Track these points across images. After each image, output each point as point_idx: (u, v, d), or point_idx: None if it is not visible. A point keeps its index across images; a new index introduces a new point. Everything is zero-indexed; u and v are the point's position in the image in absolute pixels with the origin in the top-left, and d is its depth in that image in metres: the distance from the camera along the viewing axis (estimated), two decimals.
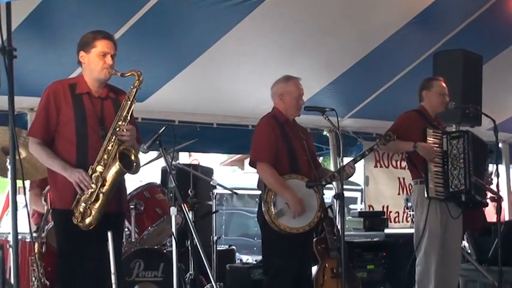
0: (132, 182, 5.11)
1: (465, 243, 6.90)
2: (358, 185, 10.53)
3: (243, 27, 5.88)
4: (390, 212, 8.48)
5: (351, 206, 10.72)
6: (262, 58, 6.39)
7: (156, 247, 5.38)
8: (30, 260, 4.58)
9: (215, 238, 6.20)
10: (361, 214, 7.84)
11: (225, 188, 6.82)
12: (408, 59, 7.19)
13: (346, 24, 6.44)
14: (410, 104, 5.70)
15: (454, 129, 6.12)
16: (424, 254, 5.38)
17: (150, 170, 6.08)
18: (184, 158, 12.37)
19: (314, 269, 5.72)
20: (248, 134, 6.24)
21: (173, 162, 5.09)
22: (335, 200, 5.26)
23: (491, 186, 5.82)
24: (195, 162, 7.62)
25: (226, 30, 5.90)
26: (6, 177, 4.06)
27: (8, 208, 8.37)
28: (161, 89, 6.34)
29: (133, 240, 5.24)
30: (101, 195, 3.85)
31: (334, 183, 5.43)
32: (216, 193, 6.38)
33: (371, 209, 8.31)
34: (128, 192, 4.76)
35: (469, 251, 6.93)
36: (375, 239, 7.09)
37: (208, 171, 7.03)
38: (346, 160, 5.15)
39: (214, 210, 6.30)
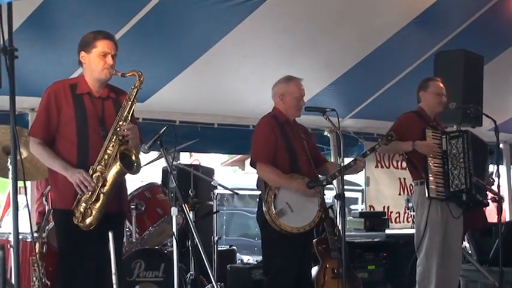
0: (133, 182, 5.12)
1: (466, 243, 6.90)
2: (359, 185, 10.51)
3: (244, 28, 5.88)
4: (391, 212, 8.48)
5: (352, 207, 10.72)
6: (262, 59, 6.39)
7: (156, 247, 5.38)
8: (31, 260, 4.59)
9: (216, 238, 6.19)
10: (361, 214, 7.85)
11: (226, 188, 6.82)
12: (409, 59, 7.18)
13: (346, 25, 6.43)
14: (412, 104, 5.69)
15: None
16: (425, 255, 5.38)
17: (151, 170, 6.07)
18: (185, 158, 12.39)
19: (315, 269, 5.72)
20: (249, 134, 6.21)
21: (174, 163, 5.08)
22: (336, 200, 5.26)
23: (492, 187, 5.82)
24: (195, 163, 7.65)
25: (227, 31, 5.90)
26: (7, 177, 4.06)
27: (9, 208, 8.38)
28: (162, 89, 6.34)
29: (134, 240, 5.25)
30: (102, 195, 3.85)
31: (334, 183, 5.42)
32: (217, 193, 6.37)
33: (372, 210, 8.30)
34: (129, 192, 4.77)
35: (469, 252, 6.92)
36: (375, 240, 7.09)
37: (209, 172, 7.03)
38: (347, 160, 5.15)
39: (215, 210, 6.29)
